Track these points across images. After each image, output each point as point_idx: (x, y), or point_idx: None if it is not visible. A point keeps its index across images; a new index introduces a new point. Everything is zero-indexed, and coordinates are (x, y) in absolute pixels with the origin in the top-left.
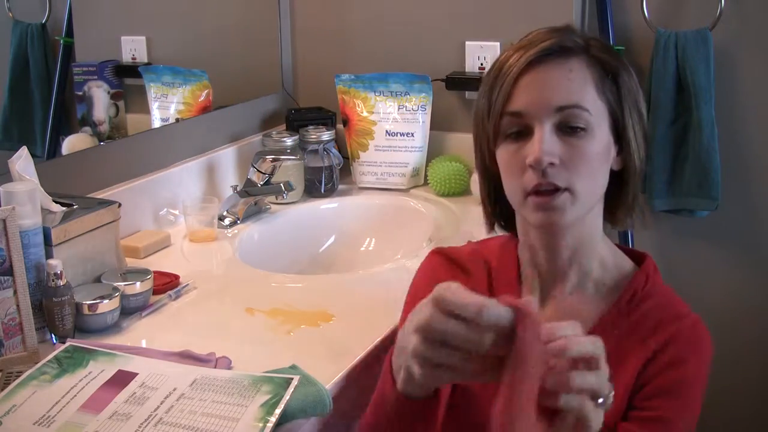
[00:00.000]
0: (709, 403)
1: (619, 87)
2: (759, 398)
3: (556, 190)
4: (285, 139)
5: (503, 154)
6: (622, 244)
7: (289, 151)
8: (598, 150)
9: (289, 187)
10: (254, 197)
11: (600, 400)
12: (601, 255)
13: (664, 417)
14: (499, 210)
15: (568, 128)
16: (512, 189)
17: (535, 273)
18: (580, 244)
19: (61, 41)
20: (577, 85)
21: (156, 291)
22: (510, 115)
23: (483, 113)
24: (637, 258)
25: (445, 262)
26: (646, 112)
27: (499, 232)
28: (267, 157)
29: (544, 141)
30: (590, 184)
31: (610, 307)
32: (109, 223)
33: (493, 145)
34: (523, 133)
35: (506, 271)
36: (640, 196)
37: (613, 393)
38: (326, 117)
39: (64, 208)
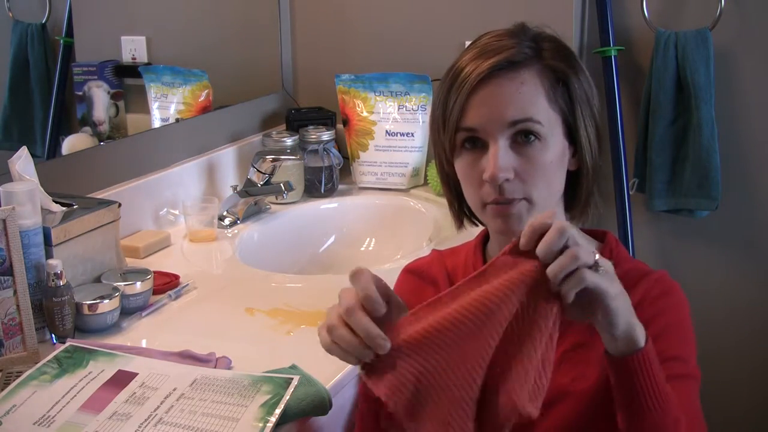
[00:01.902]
0: (708, 400)
1: (571, 92)
2: (758, 396)
3: (513, 199)
4: (285, 139)
5: (461, 164)
6: (622, 241)
7: (289, 151)
8: (552, 158)
9: (289, 187)
10: (254, 197)
11: (595, 266)
12: None
13: (669, 356)
14: (465, 208)
15: (523, 138)
16: (471, 199)
17: None
18: None
19: (61, 41)
20: (529, 98)
21: (156, 291)
22: (464, 131)
23: (438, 123)
24: (600, 236)
25: (415, 279)
26: (599, 106)
27: (468, 227)
28: (267, 157)
29: (499, 157)
30: (546, 191)
31: None
32: (109, 223)
33: (450, 156)
34: (479, 145)
35: (472, 271)
36: (637, 193)
37: (598, 255)
38: (326, 117)
39: (64, 208)
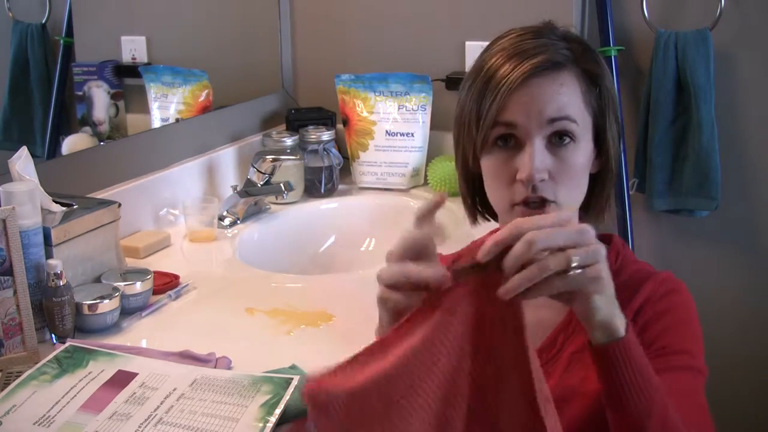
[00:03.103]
0: (708, 400)
1: (603, 95)
2: (759, 397)
3: (543, 202)
4: (285, 139)
5: (491, 161)
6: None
7: (289, 151)
8: (583, 160)
9: (289, 187)
10: (254, 197)
11: (575, 264)
12: None
13: (677, 349)
14: (480, 203)
15: (558, 140)
16: (498, 197)
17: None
18: None
19: (61, 41)
20: (567, 98)
21: (156, 291)
22: (502, 125)
23: (470, 119)
24: (606, 240)
25: None
26: (619, 112)
27: (482, 223)
28: (267, 157)
29: (536, 157)
30: (575, 194)
31: None
32: (109, 223)
33: (480, 152)
34: (511, 143)
35: None
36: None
37: (586, 248)
38: (326, 117)
39: (64, 208)
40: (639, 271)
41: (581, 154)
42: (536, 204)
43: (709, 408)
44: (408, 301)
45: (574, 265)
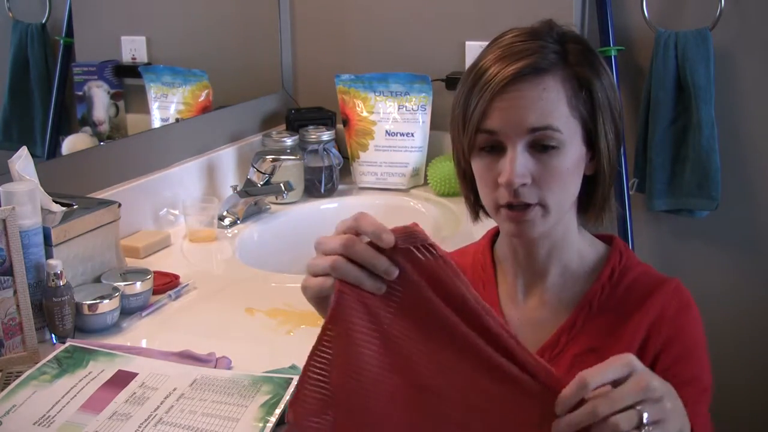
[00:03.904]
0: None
1: (593, 99)
2: (759, 398)
3: (527, 205)
4: (285, 139)
5: (478, 165)
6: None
7: (289, 151)
8: (569, 165)
9: (289, 187)
10: (254, 197)
11: (646, 421)
12: (578, 247)
13: (686, 378)
14: (480, 202)
15: (540, 147)
16: (486, 200)
17: (518, 269)
18: (557, 244)
19: (61, 41)
20: (550, 105)
21: (156, 291)
22: (484, 132)
23: (458, 124)
24: (607, 240)
25: None
26: (620, 108)
27: (484, 219)
28: (267, 157)
29: (516, 163)
30: (561, 197)
31: (593, 285)
32: (109, 223)
33: (468, 156)
34: (497, 148)
35: (481, 272)
36: (637, 195)
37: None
38: (326, 117)
39: (64, 208)
40: (645, 274)
41: (566, 159)
42: (520, 207)
43: (710, 407)
44: (327, 291)
45: (645, 422)
